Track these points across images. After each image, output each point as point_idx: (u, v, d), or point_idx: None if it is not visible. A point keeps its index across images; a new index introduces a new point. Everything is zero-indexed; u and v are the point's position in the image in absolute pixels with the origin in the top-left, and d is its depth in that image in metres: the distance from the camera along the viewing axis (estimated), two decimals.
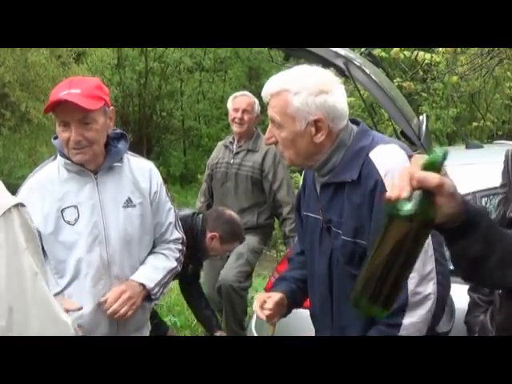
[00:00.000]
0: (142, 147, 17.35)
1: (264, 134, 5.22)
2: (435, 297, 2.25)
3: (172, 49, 19.29)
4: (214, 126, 19.89)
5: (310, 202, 2.51)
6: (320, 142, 2.33)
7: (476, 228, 1.61)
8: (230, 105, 5.66)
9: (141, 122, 19.29)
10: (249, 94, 5.79)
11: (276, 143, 2.40)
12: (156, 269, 3.00)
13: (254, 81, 20.69)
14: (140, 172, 2.99)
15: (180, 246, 3.15)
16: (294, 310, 2.73)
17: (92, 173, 2.86)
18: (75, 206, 2.83)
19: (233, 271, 5.28)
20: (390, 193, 1.48)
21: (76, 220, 2.82)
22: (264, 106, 2.49)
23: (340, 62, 3.72)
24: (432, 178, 1.43)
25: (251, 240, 5.36)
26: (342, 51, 3.73)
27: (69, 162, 2.83)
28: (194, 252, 3.96)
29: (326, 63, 3.83)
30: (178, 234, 3.14)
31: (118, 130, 3.01)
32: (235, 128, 5.57)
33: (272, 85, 2.36)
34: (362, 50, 4.63)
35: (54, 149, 2.97)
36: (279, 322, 2.64)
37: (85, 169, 2.85)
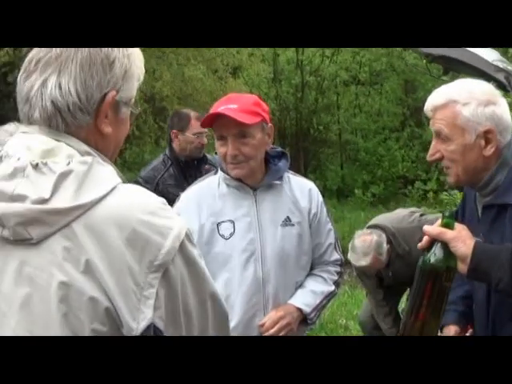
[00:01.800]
0: (299, 161, 17.52)
1: None
2: None
3: (327, 62, 19.41)
4: (371, 139, 19.78)
5: (471, 224, 2.37)
6: (489, 155, 2.21)
7: (495, 262, 1.95)
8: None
9: (298, 136, 19.51)
10: (365, 257, 4.80)
11: (441, 159, 2.29)
12: (314, 293, 2.94)
13: (410, 94, 20.43)
14: (300, 191, 2.94)
15: (339, 269, 3.07)
16: None
17: (251, 189, 2.86)
18: (232, 221, 2.82)
19: None
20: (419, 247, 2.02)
21: (231, 235, 2.81)
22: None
23: (501, 77, 3.55)
24: (439, 231, 1.98)
25: None
26: (501, 64, 3.56)
27: (228, 176, 2.84)
28: None
29: (486, 77, 3.69)
30: (337, 255, 3.06)
31: (279, 149, 2.99)
32: None
33: (438, 97, 2.27)
34: None
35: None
36: None
37: (244, 185, 2.84)
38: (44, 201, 1.29)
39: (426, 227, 2.00)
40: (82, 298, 1.26)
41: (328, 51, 19.80)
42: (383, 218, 5.23)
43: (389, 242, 4.90)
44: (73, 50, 1.41)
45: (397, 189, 18.69)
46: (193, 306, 1.38)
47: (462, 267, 1.96)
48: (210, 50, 15.64)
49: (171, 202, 2.61)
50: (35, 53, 1.44)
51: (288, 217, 2.88)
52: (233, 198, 2.86)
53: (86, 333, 1.27)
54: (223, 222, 2.82)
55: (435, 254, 1.96)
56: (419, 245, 2.01)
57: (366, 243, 4.82)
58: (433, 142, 2.31)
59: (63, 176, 1.31)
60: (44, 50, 1.43)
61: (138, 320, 1.28)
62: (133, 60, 1.49)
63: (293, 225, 2.88)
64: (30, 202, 1.29)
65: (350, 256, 4.83)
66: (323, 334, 6.47)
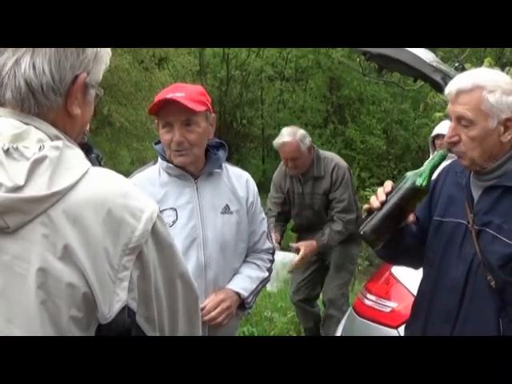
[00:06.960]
0: None
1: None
2: None
3: (253, 57, 19.49)
4: None
5: (450, 207, 2.52)
6: (505, 142, 2.36)
7: None
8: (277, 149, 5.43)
9: (221, 129, 19.54)
10: (289, 136, 5.19)
11: (458, 142, 2.39)
12: (250, 278, 3.02)
13: (334, 91, 20.71)
14: (238, 181, 3.04)
15: (271, 257, 3.18)
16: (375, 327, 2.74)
17: (192, 177, 2.91)
18: (174, 209, 2.87)
19: None
20: None
21: (174, 222, 2.85)
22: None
23: (438, 77, 3.66)
24: None
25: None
26: (441, 66, 3.68)
27: (170, 165, 2.88)
28: None
29: (423, 77, 3.81)
30: (269, 243, 3.17)
31: (217, 140, 3.06)
32: (292, 171, 5.45)
33: (464, 82, 2.37)
34: (456, 64, 4.57)
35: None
36: None
37: (186, 173, 2.89)
38: (19, 188, 1.26)
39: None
40: (59, 284, 1.26)
41: None
42: None
43: (312, 147, 5.30)
44: None
45: None
46: (163, 285, 1.40)
47: None
48: None
49: None
50: None
51: (227, 205, 2.95)
52: (174, 186, 2.91)
53: (64, 320, 1.26)
54: (165, 209, 2.85)
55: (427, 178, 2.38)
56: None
57: (293, 129, 5.30)
58: (451, 125, 2.41)
59: (37, 162, 1.29)
60: None
61: (112, 303, 1.29)
62: None
63: (231, 213, 2.96)
64: (4, 190, 1.26)
65: (274, 141, 5.32)
66: (249, 327, 6.49)
